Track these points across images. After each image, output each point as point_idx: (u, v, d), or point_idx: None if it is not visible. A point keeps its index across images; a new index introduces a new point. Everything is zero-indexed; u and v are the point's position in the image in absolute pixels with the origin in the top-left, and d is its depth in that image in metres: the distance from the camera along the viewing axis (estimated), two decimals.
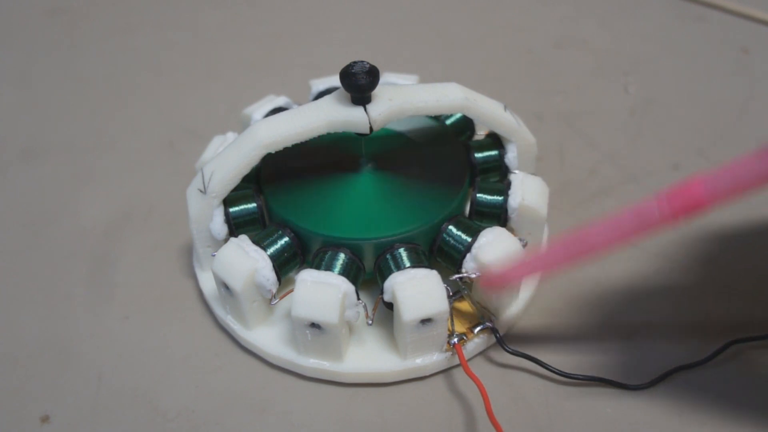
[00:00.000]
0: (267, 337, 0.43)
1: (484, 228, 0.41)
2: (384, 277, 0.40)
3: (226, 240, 0.43)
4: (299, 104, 0.45)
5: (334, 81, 0.50)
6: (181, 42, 0.72)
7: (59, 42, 0.72)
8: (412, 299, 0.38)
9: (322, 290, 0.38)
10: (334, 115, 0.41)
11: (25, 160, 0.58)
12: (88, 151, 0.59)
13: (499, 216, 0.44)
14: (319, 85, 0.51)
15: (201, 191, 0.42)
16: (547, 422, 0.40)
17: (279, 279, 0.41)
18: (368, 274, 0.42)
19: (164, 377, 0.42)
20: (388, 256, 0.41)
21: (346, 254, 0.41)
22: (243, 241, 0.41)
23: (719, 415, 0.40)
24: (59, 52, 0.71)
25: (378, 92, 0.41)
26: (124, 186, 0.55)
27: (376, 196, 0.43)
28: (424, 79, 0.51)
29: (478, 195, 0.44)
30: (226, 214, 0.43)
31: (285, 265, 0.42)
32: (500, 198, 0.44)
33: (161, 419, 0.40)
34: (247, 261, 0.40)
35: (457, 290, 0.42)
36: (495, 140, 0.47)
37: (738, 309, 0.45)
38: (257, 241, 0.41)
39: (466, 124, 0.49)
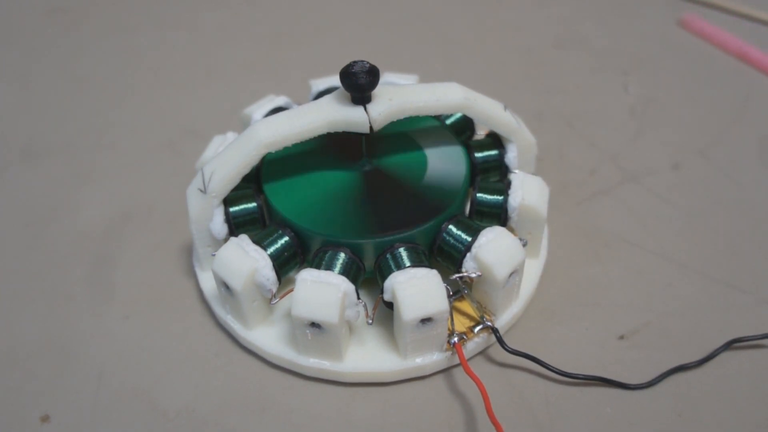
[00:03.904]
0: (267, 336, 0.43)
1: (484, 227, 0.41)
2: (384, 277, 0.40)
3: (226, 240, 0.43)
4: (299, 104, 0.45)
5: (334, 81, 0.50)
6: (182, 42, 0.72)
7: (59, 42, 0.72)
8: (412, 299, 0.38)
9: (323, 290, 0.38)
10: (334, 114, 0.41)
11: (25, 160, 0.58)
12: (88, 151, 0.59)
13: (499, 215, 0.44)
14: (319, 84, 0.51)
15: (201, 191, 0.42)
16: (547, 421, 0.40)
17: (279, 278, 0.41)
18: (368, 274, 0.42)
19: (164, 377, 0.42)
20: (388, 256, 0.41)
21: (346, 254, 0.41)
22: (243, 240, 0.41)
23: (718, 414, 0.40)
24: (59, 52, 0.71)
25: (378, 92, 0.41)
26: (124, 186, 0.55)
27: (376, 195, 0.43)
28: (424, 78, 0.51)
29: (478, 194, 0.44)
30: (226, 213, 0.43)
31: (285, 265, 0.42)
32: (500, 198, 0.44)
33: (161, 419, 0.40)
34: (248, 261, 0.40)
35: (457, 290, 0.42)
36: (495, 140, 0.47)
37: (738, 307, 0.45)
38: (257, 241, 0.41)
39: (466, 124, 0.49)
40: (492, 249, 0.40)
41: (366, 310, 0.41)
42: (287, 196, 0.43)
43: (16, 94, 0.66)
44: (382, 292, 0.40)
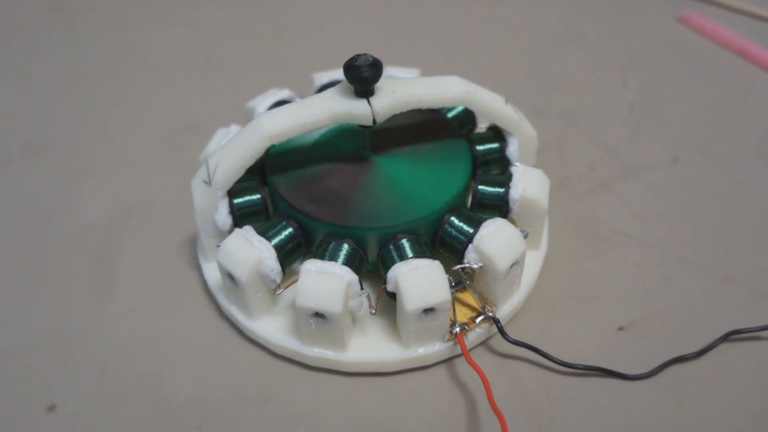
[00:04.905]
0: (271, 327, 0.43)
1: (485, 219, 0.42)
2: (387, 267, 0.40)
3: (230, 231, 0.43)
4: (302, 97, 0.46)
5: (337, 74, 0.51)
6: (184, 36, 0.72)
7: (60, 38, 0.72)
8: (415, 289, 0.39)
9: (326, 280, 0.39)
10: (337, 107, 0.41)
11: (27, 156, 0.58)
12: (90, 147, 0.59)
13: (500, 207, 0.44)
14: (322, 78, 0.51)
15: (206, 183, 0.42)
16: (547, 410, 0.40)
17: (283, 269, 0.41)
18: (371, 264, 0.43)
19: (168, 367, 0.43)
20: (391, 247, 0.41)
21: (349, 244, 0.41)
22: (247, 231, 0.41)
23: (716, 405, 0.40)
24: (60, 48, 0.71)
25: (381, 85, 0.41)
26: (127, 180, 0.56)
27: (379, 187, 0.43)
28: (426, 73, 0.51)
29: (480, 187, 0.44)
30: (231, 205, 0.43)
31: (289, 256, 0.42)
32: (501, 190, 0.44)
33: (166, 409, 0.41)
34: (252, 251, 0.40)
35: (459, 281, 0.42)
36: (496, 133, 0.47)
37: (736, 300, 0.45)
38: (262, 232, 0.42)
39: (467, 117, 0.49)
40: (493, 240, 0.40)
41: (369, 300, 0.41)
42: (291, 188, 0.43)
43: (17, 90, 0.66)
44: (385, 282, 0.40)
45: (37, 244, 0.51)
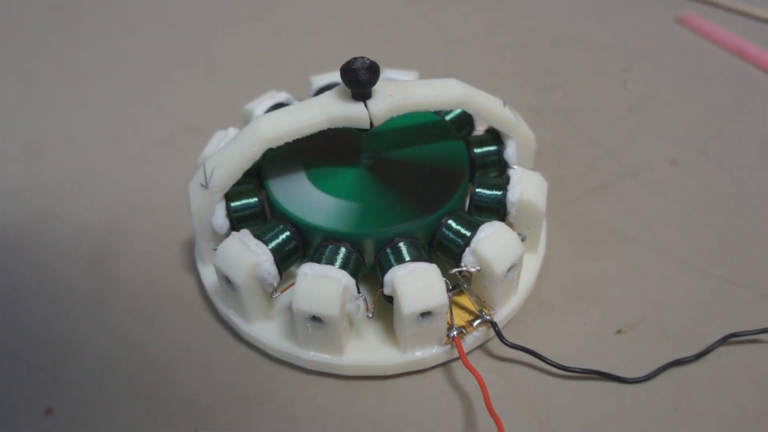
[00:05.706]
0: (268, 330, 0.43)
1: (483, 222, 0.42)
2: (384, 271, 0.40)
3: (227, 234, 0.43)
4: (300, 100, 0.45)
5: (335, 77, 0.50)
6: (183, 38, 0.72)
7: (60, 38, 0.72)
8: (412, 293, 0.39)
9: (323, 284, 0.39)
10: (334, 110, 0.41)
11: (27, 156, 0.58)
12: (90, 147, 0.59)
13: (498, 210, 0.44)
14: (319, 80, 0.51)
15: (203, 186, 0.42)
16: (545, 414, 0.40)
17: (280, 273, 0.41)
18: (368, 268, 0.43)
19: (166, 370, 0.43)
20: (388, 250, 0.41)
21: (346, 248, 0.41)
22: (244, 235, 0.41)
23: (715, 408, 0.40)
24: (61, 48, 0.71)
25: (378, 88, 0.41)
26: (126, 181, 0.56)
27: (377, 190, 0.43)
28: (424, 75, 0.51)
29: (478, 190, 0.44)
30: (228, 208, 0.43)
31: (286, 259, 0.42)
32: (499, 193, 0.44)
33: (163, 412, 0.41)
34: (249, 255, 0.40)
35: (457, 284, 0.42)
36: (494, 136, 0.47)
37: (735, 302, 0.45)
38: (258, 236, 0.42)
39: (465, 120, 0.49)
40: (491, 244, 0.40)
41: (366, 304, 0.41)
42: (288, 191, 0.43)
43: (19, 90, 0.66)
44: (382, 286, 0.40)
45: (37, 243, 0.51)
